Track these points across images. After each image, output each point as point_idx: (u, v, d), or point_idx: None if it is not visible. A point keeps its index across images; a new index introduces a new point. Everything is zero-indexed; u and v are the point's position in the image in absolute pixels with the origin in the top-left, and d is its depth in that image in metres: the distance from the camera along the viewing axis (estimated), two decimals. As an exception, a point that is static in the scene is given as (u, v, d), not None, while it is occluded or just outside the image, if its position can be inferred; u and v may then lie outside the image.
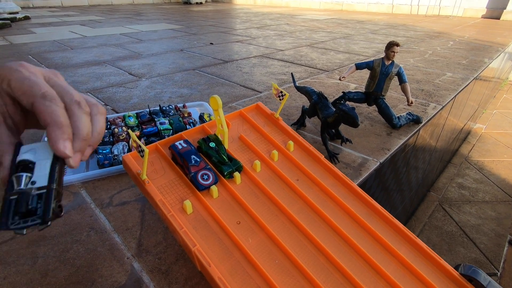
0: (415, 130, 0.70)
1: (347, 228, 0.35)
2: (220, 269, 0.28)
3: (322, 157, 0.42)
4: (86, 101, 0.24)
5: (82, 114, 0.22)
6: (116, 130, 0.61)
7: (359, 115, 0.77)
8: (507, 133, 2.12)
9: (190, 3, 5.04)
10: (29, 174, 0.21)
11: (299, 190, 0.38)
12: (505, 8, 3.07)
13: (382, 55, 0.67)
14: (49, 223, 0.20)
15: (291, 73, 0.78)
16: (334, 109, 0.54)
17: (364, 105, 0.81)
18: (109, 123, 0.65)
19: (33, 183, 0.20)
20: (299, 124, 0.68)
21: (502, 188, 1.55)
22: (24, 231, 0.20)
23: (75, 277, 0.33)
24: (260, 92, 0.93)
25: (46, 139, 0.23)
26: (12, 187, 0.20)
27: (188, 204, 0.32)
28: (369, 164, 0.56)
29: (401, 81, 0.68)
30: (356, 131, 0.68)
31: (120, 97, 0.88)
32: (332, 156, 0.56)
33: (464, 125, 1.68)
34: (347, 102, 0.69)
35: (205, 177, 0.34)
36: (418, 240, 0.36)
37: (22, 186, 0.20)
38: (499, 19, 3.13)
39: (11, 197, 0.20)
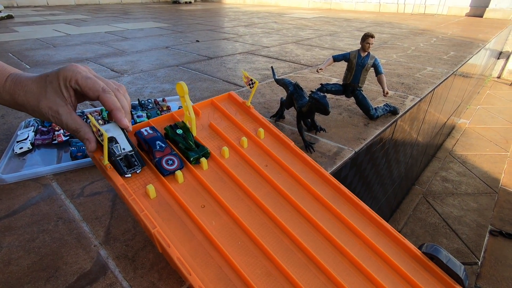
0: (392, 121, 0.71)
1: (313, 211, 0.36)
2: (180, 250, 0.28)
3: (292, 143, 0.43)
4: (115, 84, 0.34)
5: (122, 97, 0.33)
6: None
7: (338, 107, 0.78)
8: (489, 127, 2.17)
9: (179, 2, 5.01)
10: (119, 145, 0.32)
11: (267, 175, 0.38)
12: (487, 6, 3.14)
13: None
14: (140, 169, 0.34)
15: (271, 67, 0.78)
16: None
17: (344, 97, 0.82)
18: (85, 116, 0.64)
19: (124, 149, 0.33)
20: (278, 116, 0.69)
21: (484, 180, 1.58)
22: (130, 175, 0.33)
23: (39, 265, 0.33)
24: (243, 87, 0.93)
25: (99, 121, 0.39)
26: (114, 153, 0.32)
27: (151, 188, 0.32)
28: (344, 153, 0.57)
29: (377, 72, 0.69)
30: (334, 122, 0.69)
31: (100, 92, 0.87)
32: (308, 146, 0.56)
33: (447, 120, 1.71)
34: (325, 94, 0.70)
35: (170, 162, 0.34)
36: (383, 222, 0.37)
37: (120, 152, 0.32)
38: (482, 17, 3.20)
39: (118, 158, 0.32)
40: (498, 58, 3.29)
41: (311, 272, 0.30)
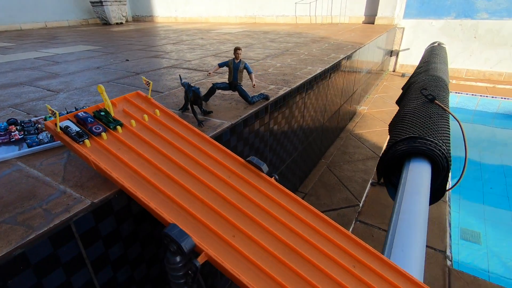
0: (264, 104, 1.05)
1: (192, 152, 0.65)
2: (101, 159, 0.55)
3: (176, 116, 0.71)
4: None
5: None
6: (39, 126, 0.83)
7: (230, 99, 1.09)
8: (382, 110, 2.73)
9: (110, 24, 5.07)
10: (71, 127, 0.59)
11: (160, 134, 0.66)
12: (376, 15, 3.86)
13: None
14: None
15: (179, 75, 1.07)
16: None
17: (231, 91, 1.14)
18: (33, 122, 0.85)
19: (75, 130, 0.59)
20: (184, 108, 0.97)
21: (372, 149, 2.06)
22: (82, 142, 0.59)
23: (21, 196, 0.56)
24: (162, 93, 1.20)
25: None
26: (70, 132, 0.58)
27: (87, 142, 0.57)
28: (224, 125, 0.87)
29: (248, 72, 1.02)
30: (224, 108, 1.00)
31: (41, 107, 1.07)
32: (200, 123, 0.86)
33: (341, 106, 2.17)
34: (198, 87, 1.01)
35: (97, 128, 0.60)
36: (231, 152, 0.67)
37: (74, 131, 0.59)
38: (373, 23, 3.92)
39: (73, 134, 0.59)
40: (391, 56, 4.04)
41: (195, 182, 0.59)
